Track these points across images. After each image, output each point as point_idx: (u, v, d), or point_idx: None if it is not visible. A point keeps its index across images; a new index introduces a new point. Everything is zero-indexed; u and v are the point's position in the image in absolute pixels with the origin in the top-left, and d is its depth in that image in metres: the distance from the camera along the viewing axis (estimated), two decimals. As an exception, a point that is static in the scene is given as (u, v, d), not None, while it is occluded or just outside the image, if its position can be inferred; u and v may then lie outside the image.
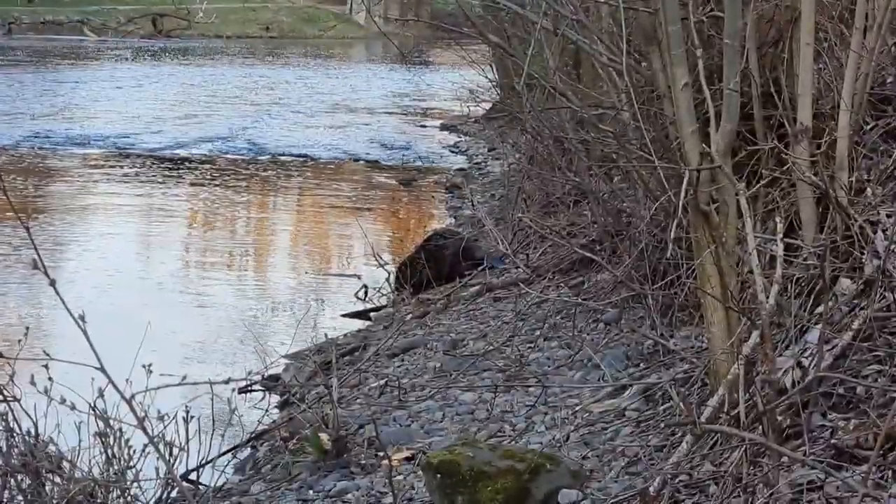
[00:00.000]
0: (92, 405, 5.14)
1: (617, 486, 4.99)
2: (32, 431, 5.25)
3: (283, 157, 20.83)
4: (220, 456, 6.48)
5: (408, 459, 5.97)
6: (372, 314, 10.27)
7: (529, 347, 7.56)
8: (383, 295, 10.75)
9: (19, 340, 5.17)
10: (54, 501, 5.15)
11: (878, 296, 4.80)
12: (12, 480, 5.19)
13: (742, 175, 5.95)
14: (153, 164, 19.88)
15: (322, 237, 15.22)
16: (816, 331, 4.76)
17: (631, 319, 7.44)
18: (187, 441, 5.58)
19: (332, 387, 6.44)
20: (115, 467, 5.34)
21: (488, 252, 10.72)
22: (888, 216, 5.35)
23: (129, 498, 5.36)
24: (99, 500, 5.26)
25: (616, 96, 7.82)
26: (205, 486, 6.26)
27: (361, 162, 20.79)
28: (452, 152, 21.50)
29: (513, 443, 5.85)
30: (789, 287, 5.37)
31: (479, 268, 10.26)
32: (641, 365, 6.61)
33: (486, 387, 6.86)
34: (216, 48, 50.22)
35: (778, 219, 4.87)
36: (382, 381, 7.39)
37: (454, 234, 11.41)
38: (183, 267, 12.98)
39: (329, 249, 14.49)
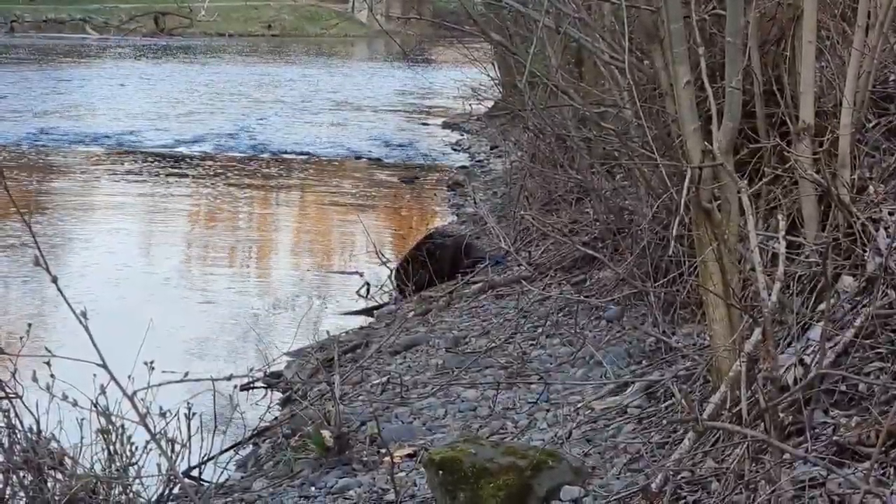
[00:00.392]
0: (94, 402, 5.14)
1: (619, 483, 4.99)
2: (34, 428, 5.25)
3: (285, 155, 20.85)
4: (222, 453, 6.48)
5: (410, 456, 5.97)
6: (374, 311, 10.26)
7: (531, 345, 7.56)
8: (385, 292, 10.75)
9: (21, 337, 5.17)
10: (56, 498, 5.15)
11: (880, 293, 4.79)
12: (14, 477, 5.19)
13: (744, 173, 5.95)
14: (156, 161, 19.89)
15: (324, 234, 15.23)
16: (818, 328, 4.76)
17: (633, 317, 7.43)
18: (189, 438, 5.58)
19: (334, 384, 6.44)
20: (117, 464, 5.34)
21: (488, 251, 10.72)
22: (890, 214, 5.35)
23: (130, 494, 5.36)
24: (101, 497, 5.26)
25: (618, 94, 7.82)
26: (207, 482, 6.26)
27: (364, 159, 20.80)
28: (454, 150, 21.50)
29: (515, 440, 5.85)
30: (791, 284, 5.37)
31: (480, 266, 10.24)
32: (643, 362, 6.60)
33: (488, 384, 6.85)
34: (218, 46, 50.25)
35: (780, 216, 4.86)
36: (384, 379, 7.38)
37: (451, 235, 11.41)
38: (185, 264, 12.99)
39: (331, 247, 14.50)
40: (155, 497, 5.54)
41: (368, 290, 10.90)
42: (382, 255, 11.10)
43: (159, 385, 4.38)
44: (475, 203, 13.73)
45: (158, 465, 5.44)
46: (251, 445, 6.94)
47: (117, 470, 5.32)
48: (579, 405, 6.11)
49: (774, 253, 5.18)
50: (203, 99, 29.04)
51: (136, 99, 28.07)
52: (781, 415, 4.39)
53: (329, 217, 16.12)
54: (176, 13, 56.35)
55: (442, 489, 5.04)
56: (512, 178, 13.03)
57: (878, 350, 4.69)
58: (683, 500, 4.45)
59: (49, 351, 4.79)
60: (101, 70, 36.18)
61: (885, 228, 5.22)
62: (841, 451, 4.25)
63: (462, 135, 23.04)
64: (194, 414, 5.61)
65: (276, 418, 7.25)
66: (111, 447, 5.32)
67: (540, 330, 7.81)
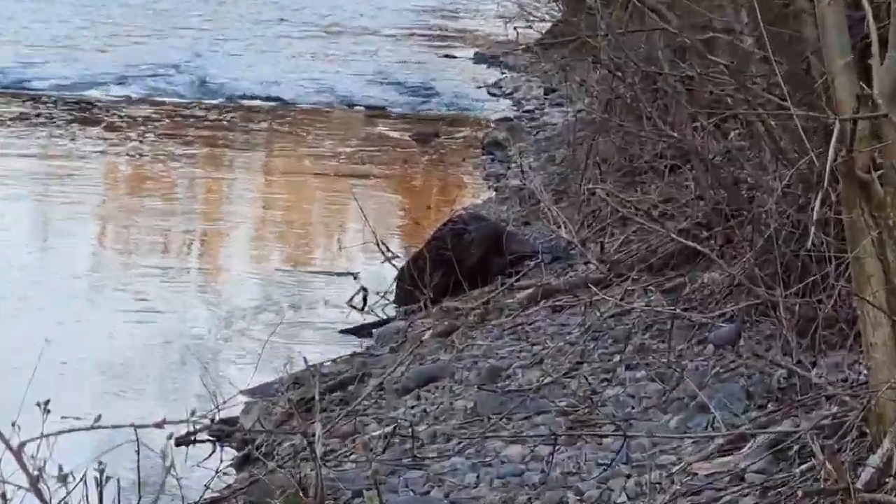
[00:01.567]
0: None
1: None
2: None
3: (246, 100, 20.90)
4: (150, 535, 6.48)
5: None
6: (373, 330, 10.28)
7: (604, 380, 7.56)
8: (389, 302, 10.76)
9: None
10: None
11: None
12: None
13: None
14: (60, 107, 19.94)
15: (302, 217, 15.25)
16: None
17: (754, 339, 7.42)
18: (102, 512, 5.58)
19: (313, 436, 6.43)
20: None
21: (540, 242, 10.73)
22: None
23: None
24: None
25: (733, 12, 7.79)
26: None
27: (360, 108, 20.84)
28: (492, 95, 21.55)
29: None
30: None
31: (528, 265, 10.24)
32: (769, 406, 6.60)
33: (540, 437, 6.86)
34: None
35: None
36: (389, 429, 7.39)
37: (484, 219, 11.40)
38: (99, 256, 13.01)
39: (312, 235, 14.52)
40: None
41: (365, 299, 10.93)
42: (386, 247, 11.10)
43: (59, 433, 4.37)
44: (522, 172, 13.72)
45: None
46: (193, 525, 6.96)
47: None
48: (675, 468, 6.11)
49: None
50: (128, 17, 29.08)
51: (35, 20, 28.16)
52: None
53: (309, 192, 16.15)
54: None
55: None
56: (576, 137, 13.04)
57: None
58: None
59: None
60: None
61: None
62: None
63: (504, 72, 23.10)
64: (109, 478, 5.60)
65: (228, 486, 7.26)
66: (-13, 525, 5.33)
67: (617, 358, 7.82)
